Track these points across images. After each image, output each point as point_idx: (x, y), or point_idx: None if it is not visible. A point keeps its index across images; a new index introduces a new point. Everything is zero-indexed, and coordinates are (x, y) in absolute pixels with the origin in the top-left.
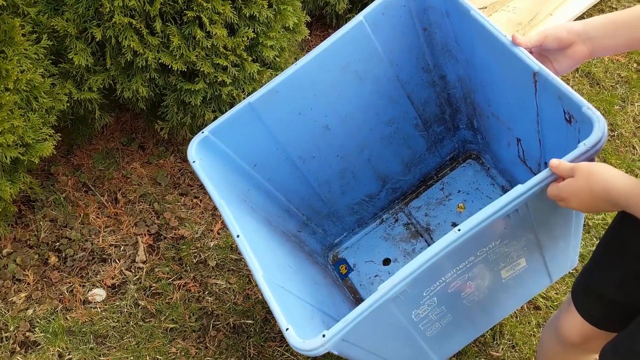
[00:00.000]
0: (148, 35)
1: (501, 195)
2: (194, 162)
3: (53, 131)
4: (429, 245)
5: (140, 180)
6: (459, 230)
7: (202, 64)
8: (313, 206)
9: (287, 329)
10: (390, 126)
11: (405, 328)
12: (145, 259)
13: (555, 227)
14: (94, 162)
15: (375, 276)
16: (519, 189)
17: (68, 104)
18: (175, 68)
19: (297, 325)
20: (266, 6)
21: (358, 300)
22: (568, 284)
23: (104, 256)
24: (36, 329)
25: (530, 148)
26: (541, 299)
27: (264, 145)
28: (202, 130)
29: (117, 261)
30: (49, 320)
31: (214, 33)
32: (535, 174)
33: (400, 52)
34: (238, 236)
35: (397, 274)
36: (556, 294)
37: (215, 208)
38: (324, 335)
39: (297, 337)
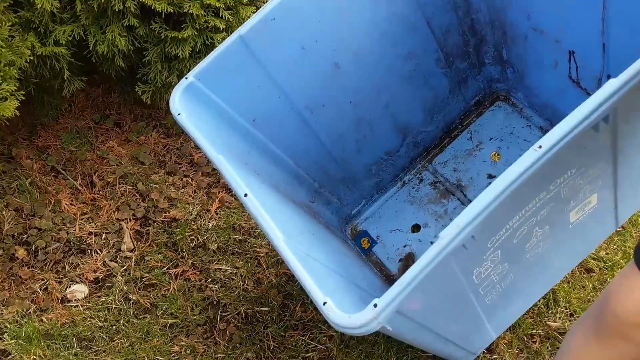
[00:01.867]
0: None
1: (541, 137)
2: (178, 114)
3: (15, 87)
4: (463, 204)
5: (119, 160)
6: (540, 147)
7: (190, 5)
8: (325, 169)
9: (324, 303)
10: (410, 62)
11: (464, 294)
12: (132, 247)
13: (638, 144)
14: (63, 142)
15: (405, 246)
16: (612, 84)
17: (31, 59)
18: (160, 9)
19: (335, 299)
20: None
21: (388, 277)
22: (617, 243)
23: (82, 246)
24: (5, 335)
25: (588, 60)
26: (592, 260)
27: (263, 93)
28: (186, 76)
29: (99, 251)
30: (20, 324)
31: None
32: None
33: None
34: (246, 195)
35: (465, 212)
36: (607, 253)
37: (210, 185)
38: (375, 305)
39: (340, 312)
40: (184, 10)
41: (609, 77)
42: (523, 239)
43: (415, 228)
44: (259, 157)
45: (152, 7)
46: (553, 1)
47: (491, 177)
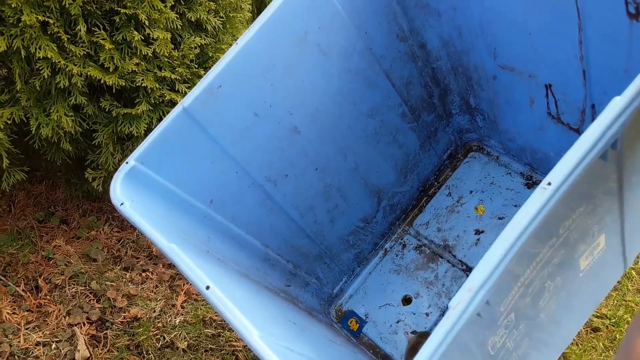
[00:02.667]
0: (69, 43)
1: (524, 184)
2: (121, 204)
3: None
4: (454, 265)
5: (67, 259)
6: (549, 184)
7: (142, 79)
8: (298, 247)
9: None
10: (374, 118)
11: None
12: (88, 355)
13: None
14: (1, 245)
15: (398, 322)
16: (617, 103)
17: None
18: (110, 83)
19: None
20: (213, 11)
21: (384, 357)
22: (616, 299)
23: None
24: None
25: (568, 91)
26: (596, 319)
27: (218, 169)
28: (127, 160)
29: None
30: None
31: (154, 37)
32: (577, 130)
33: (367, 15)
34: (208, 287)
35: (476, 273)
36: (609, 310)
37: (173, 277)
38: None
39: None
40: (137, 84)
41: (593, 106)
42: (536, 296)
43: (407, 300)
44: (221, 242)
45: (102, 82)
46: (521, 32)
47: (479, 232)
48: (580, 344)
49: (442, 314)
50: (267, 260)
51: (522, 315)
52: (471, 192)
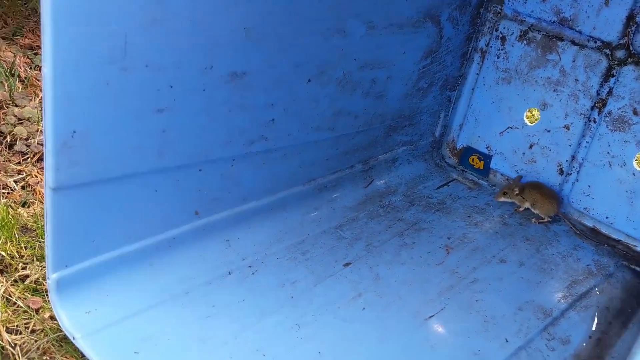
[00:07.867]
0: None
1: None
2: (74, 338)
3: None
4: (582, 47)
5: None
6: None
7: None
8: (355, 148)
9: None
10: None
11: None
12: None
13: None
14: None
15: (531, 147)
16: None
17: None
18: None
19: None
20: None
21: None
22: None
23: None
24: None
25: None
26: None
27: (167, 194)
28: (47, 276)
29: None
30: None
31: None
32: None
33: None
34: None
35: None
36: None
37: None
38: None
39: None
40: None
41: None
42: None
43: (532, 114)
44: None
45: None
46: None
47: None
48: None
49: (588, 120)
50: (324, 188)
51: None
52: None
